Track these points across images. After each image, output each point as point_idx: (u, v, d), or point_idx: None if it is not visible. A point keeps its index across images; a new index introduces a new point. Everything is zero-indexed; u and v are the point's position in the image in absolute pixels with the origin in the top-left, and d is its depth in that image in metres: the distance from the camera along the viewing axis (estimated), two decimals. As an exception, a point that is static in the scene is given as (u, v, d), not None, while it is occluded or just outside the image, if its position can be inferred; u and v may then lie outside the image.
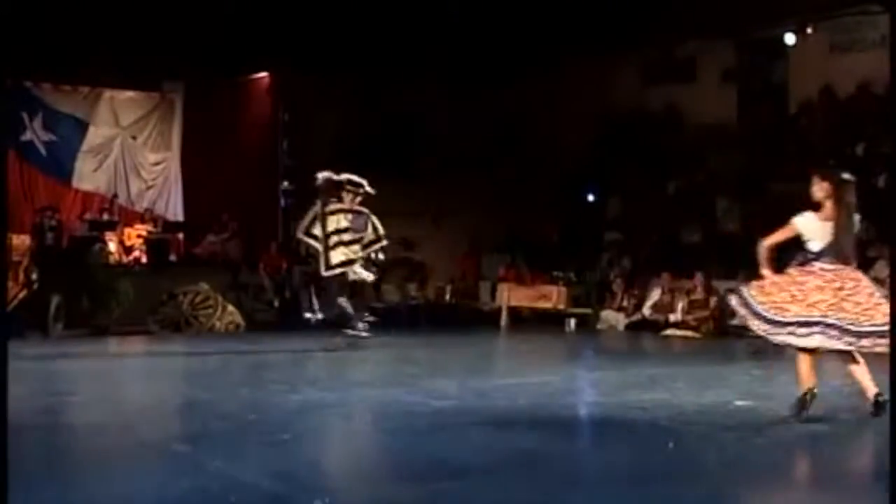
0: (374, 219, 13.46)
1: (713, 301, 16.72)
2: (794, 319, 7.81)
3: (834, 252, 7.99)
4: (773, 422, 7.64)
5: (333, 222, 13.08)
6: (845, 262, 7.93)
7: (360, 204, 13.59)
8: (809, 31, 19.72)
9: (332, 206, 13.23)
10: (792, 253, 8.50)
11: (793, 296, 7.89)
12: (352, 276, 13.21)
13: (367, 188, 13.68)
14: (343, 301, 13.02)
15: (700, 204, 19.95)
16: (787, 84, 20.81)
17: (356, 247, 13.20)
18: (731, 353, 14.54)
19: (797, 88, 20.59)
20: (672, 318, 16.83)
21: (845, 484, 5.72)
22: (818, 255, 8.04)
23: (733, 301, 8.32)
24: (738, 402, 8.53)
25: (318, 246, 12.91)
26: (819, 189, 8.54)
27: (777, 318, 7.88)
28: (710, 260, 18.19)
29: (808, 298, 7.82)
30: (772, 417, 7.82)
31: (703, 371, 11.38)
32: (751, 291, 8.18)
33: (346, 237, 13.07)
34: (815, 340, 7.80)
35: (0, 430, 4.36)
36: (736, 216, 19.16)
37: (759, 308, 7.99)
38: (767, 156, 20.05)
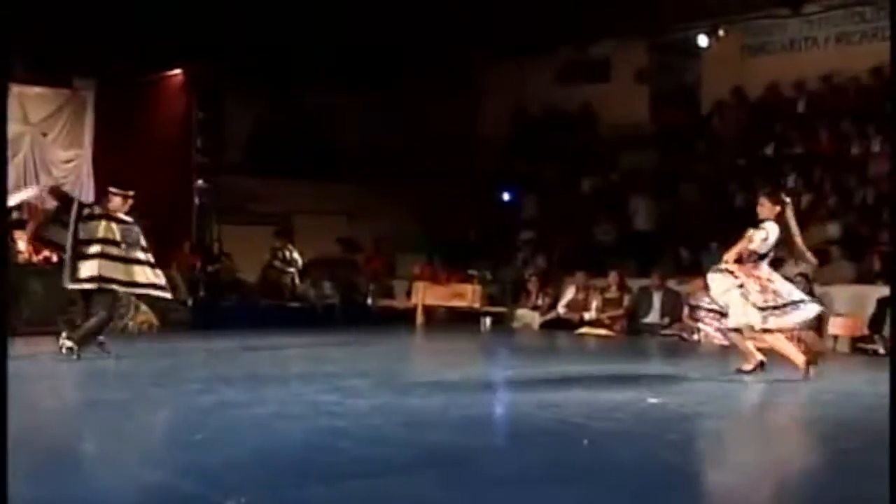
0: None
1: (627, 299, 16.89)
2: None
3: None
4: (684, 418, 7.75)
5: (93, 229, 11.62)
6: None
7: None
8: (722, 33, 20.03)
9: (95, 210, 11.93)
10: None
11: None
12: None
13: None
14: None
15: (614, 203, 20.15)
16: (700, 85, 21.12)
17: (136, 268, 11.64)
18: (644, 351, 14.72)
19: (709, 89, 20.91)
20: (586, 316, 16.97)
21: (750, 476, 5.80)
22: (762, 258, 10.41)
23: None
24: (651, 400, 8.62)
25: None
26: (767, 210, 10.57)
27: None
28: (624, 258, 18.39)
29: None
30: (684, 414, 7.92)
31: (616, 369, 11.49)
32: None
33: (114, 251, 11.52)
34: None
35: (0, 430, 4.28)
36: (649, 215, 19.37)
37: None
38: (680, 155, 20.33)
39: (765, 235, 10.36)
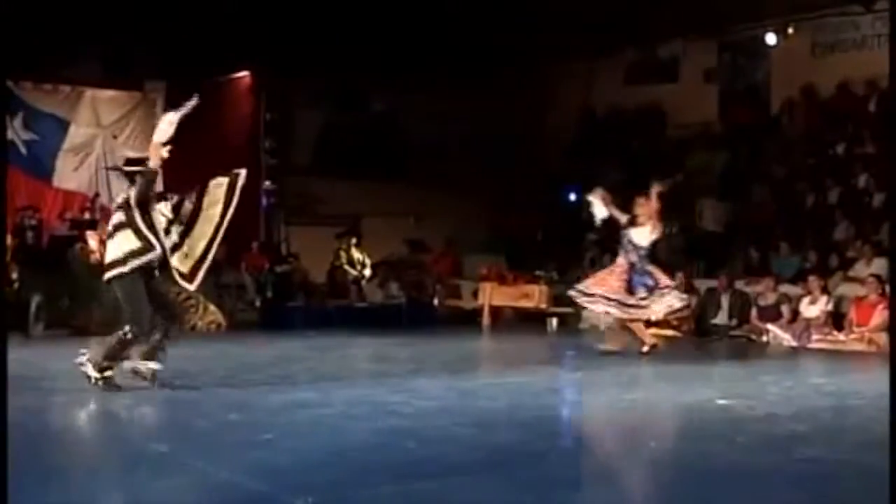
0: None
1: (694, 300, 16.75)
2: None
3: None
4: (754, 420, 7.68)
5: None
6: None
7: None
8: (791, 31, 19.82)
9: None
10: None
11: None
12: None
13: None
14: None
15: (681, 203, 20.00)
16: (769, 84, 20.91)
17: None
18: (712, 353, 14.60)
19: (779, 88, 20.70)
20: (654, 317, 16.84)
21: (822, 481, 5.75)
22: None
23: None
24: (721, 401, 8.56)
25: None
26: (646, 210, 12.59)
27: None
28: (692, 259, 18.26)
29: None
30: (752, 416, 7.86)
31: (684, 370, 11.41)
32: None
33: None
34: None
35: (0, 430, 4.36)
36: (717, 215, 19.21)
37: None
38: (749, 155, 20.16)
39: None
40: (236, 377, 10.36)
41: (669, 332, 16.32)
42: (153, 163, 9.26)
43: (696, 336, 16.16)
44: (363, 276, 19.28)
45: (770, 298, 15.70)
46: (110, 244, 9.01)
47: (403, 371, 10.83)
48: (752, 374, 11.02)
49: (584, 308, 13.47)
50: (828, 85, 19.83)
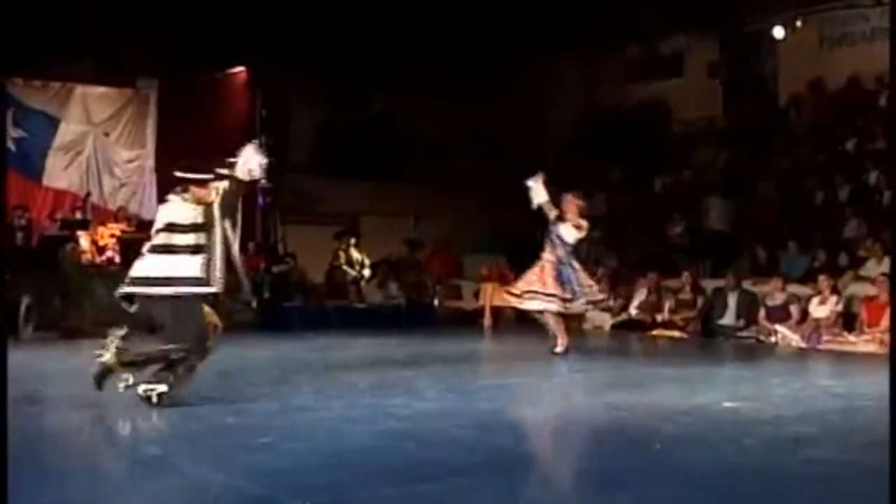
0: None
1: (700, 300, 16.79)
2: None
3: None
4: (761, 424, 7.71)
5: None
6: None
7: None
8: (799, 24, 19.83)
9: None
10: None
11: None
12: None
13: None
14: None
15: (686, 201, 20.03)
16: (776, 78, 20.92)
17: None
18: (719, 354, 14.63)
19: (786, 82, 20.71)
20: (659, 317, 16.89)
21: (832, 484, 5.77)
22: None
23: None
24: (726, 404, 8.58)
25: None
26: (574, 208, 13.18)
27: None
28: (698, 258, 18.29)
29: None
30: (760, 418, 7.89)
31: (690, 372, 11.44)
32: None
33: None
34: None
35: (0, 430, 4.38)
36: (723, 214, 19.23)
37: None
38: (755, 151, 20.16)
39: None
40: (233, 379, 10.38)
41: (675, 333, 16.37)
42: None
43: (703, 337, 16.19)
44: (362, 277, 19.30)
45: (778, 298, 15.72)
46: (184, 260, 8.43)
47: (403, 373, 10.85)
48: (759, 376, 11.04)
49: (524, 310, 13.55)
50: (837, 79, 19.83)
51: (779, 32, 20.02)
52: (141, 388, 8.11)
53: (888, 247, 15.80)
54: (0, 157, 5.28)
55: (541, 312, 13.01)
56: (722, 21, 20.06)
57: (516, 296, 13.22)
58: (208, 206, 8.55)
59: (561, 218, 13.07)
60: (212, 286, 8.52)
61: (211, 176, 8.88)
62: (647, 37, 21.01)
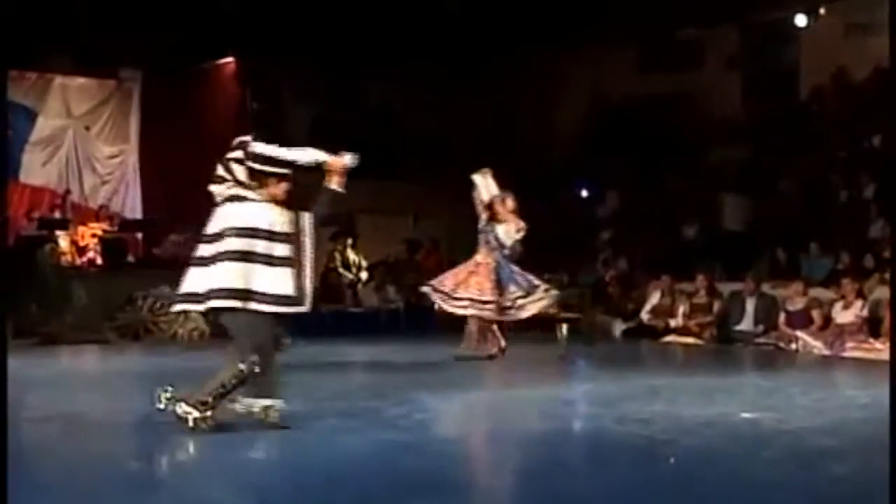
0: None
1: (717, 305, 16.78)
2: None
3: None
4: (781, 435, 7.70)
5: None
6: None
7: None
8: (822, 11, 19.82)
9: None
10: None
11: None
12: None
13: None
14: None
15: (702, 200, 20.03)
16: (798, 69, 20.91)
17: None
18: (736, 362, 14.62)
19: (809, 74, 20.71)
20: (672, 323, 16.88)
21: (855, 501, 5.76)
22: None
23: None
24: (744, 415, 8.57)
25: None
26: (503, 206, 13.07)
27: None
28: (714, 260, 18.27)
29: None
30: (780, 430, 7.88)
31: (706, 381, 11.42)
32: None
33: None
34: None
35: (0, 431, 4.38)
36: (741, 213, 19.23)
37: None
38: (776, 147, 20.14)
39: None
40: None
41: (690, 340, 16.36)
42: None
43: (719, 344, 16.18)
44: (359, 280, 19.31)
45: (799, 303, 15.72)
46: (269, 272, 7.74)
47: (402, 381, 10.85)
48: (779, 386, 11.02)
49: (442, 308, 13.63)
50: (862, 69, 19.81)
51: (801, 20, 20.00)
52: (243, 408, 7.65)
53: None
54: (1, 157, 5.25)
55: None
56: (742, 9, 20.03)
57: (444, 293, 12.99)
58: (292, 211, 8.02)
59: (494, 218, 13.03)
60: (303, 305, 7.91)
61: (288, 171, 8.28)
62: (663, 26, 20.98)
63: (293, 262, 7.68)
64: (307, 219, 7.97)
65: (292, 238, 7.72)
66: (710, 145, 20.97)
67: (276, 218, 7.77)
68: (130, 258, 18.99)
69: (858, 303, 15.03)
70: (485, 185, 13.37)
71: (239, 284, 7.47)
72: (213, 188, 8.32)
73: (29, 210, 19.40)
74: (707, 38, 21.36)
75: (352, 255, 19.34)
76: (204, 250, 7.73)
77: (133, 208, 20.83)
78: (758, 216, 19.11)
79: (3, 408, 4.47)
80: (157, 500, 5.58)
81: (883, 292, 15.34)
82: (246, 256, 7.50)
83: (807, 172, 19.34)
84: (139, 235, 20.04)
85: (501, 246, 12.93)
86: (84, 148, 20.64)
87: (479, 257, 13.01)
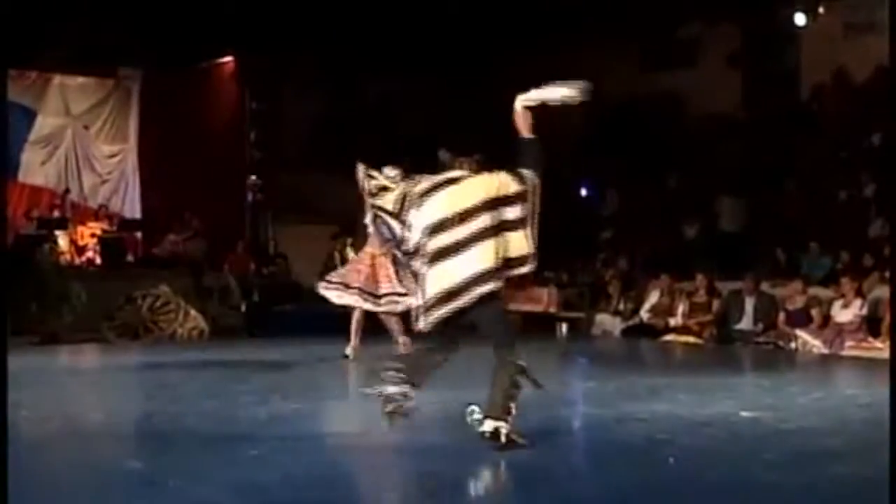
0: None
1: (716, 304, 16.76)
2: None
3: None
4: (781, 434, 7.68)
5: None
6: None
7: None
8: (822, 10, 19.81)
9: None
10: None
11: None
12: None
13: None
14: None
15: (702, 200, 20.00)
16: (799, 68, 20.89)
17: None
18: (736, 361, 14.61)
19: (809, 73, 20.70)
20: (672, 322, 16.86)
21: (856, 502, 5.74)
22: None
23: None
24: (744, 414, 8.55)
25: None
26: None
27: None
28: (713, 260, 18.24)
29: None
30: (781, 430, 7.86)
31: (705, 380, 11.40)
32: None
33: None
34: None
35: (0, 431, 4.36)
36: (741, 212, 19.21)
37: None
38: (776, 146, 20.12)
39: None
40: (220, 388, 10.36)
41: (690, 339, 16.35)
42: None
43: (718, 343, 16.16)
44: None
45: (799, 302, 15.71)
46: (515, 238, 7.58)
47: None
48: (779, 385, 11.01)
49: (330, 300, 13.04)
50: (863, 69, 19.80)
51: (801, 19, 19.99)
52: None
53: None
54: (1, 157, 5.23)
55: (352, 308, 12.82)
56: (742, 7, 20.01)
57: (333, 286, 12.72)
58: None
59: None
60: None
61: None
62: (664, 24, 20.95)
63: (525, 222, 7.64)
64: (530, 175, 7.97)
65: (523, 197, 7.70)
66: (710, 144, 20.93)
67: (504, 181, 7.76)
68: (129, 257, 18.98)
69: (857, 302, 15.02)
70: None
71: (493, 263, 7.21)
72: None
73: (28, 209, 19.39)
74: (708, 36, 21.32)
75: (351, 255, 19.28)
76: (439, 241, 7.33)
77: (132, 208, 20.81)
78: (757, 215, 19.08)
79: (3, 408, 4.45)
80: (148, 497, 5.55)
81: (882, 291, 15.32)
82: (494, 230, 7.35)
83: (807, 171, 19.32)
84: (138, 235, 20.03)
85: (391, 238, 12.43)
86: (83, 147, 20.63)
87: (371, 249, 12.70)
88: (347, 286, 12.59)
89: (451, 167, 8.22)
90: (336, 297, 12.66)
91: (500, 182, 7.68)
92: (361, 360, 12.51)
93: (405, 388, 7.13)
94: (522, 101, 8.22)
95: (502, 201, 7.53)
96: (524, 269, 7.44)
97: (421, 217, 7.45)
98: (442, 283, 7.10)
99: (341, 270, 13.14)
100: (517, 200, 7.65)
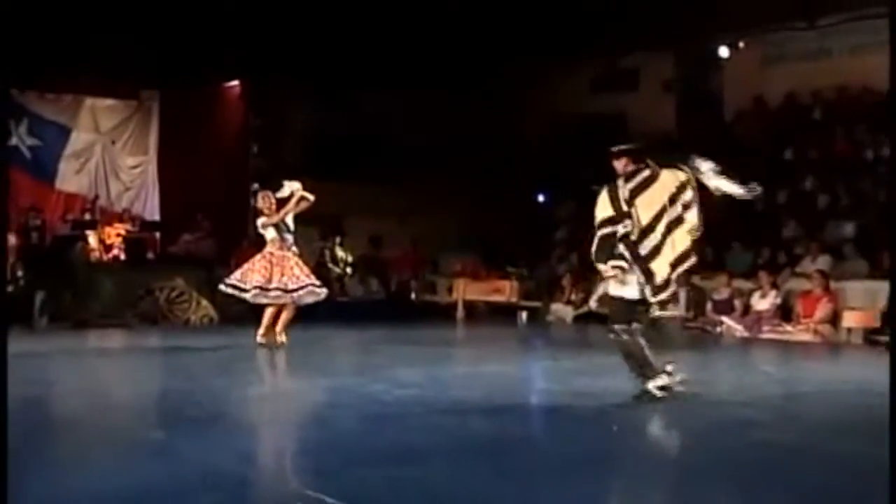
0: None
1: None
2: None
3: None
4: (708, 405, 7.70)
5: None
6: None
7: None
8: (742, 45, 19.92)
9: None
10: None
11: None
12: None
13: None
14: None
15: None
16: (723, 94, 21.00)
17: None
18: (668, 342, 14.62)
19: (732, 98, 20.80)
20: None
21: (772, 463, 5.76)
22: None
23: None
24: (679, 389, 8.56)
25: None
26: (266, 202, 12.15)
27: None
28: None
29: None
30: (707, 401, 7.88)
31: (645, 360, 11.38)
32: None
33: None
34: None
35: (0, 430, 4.30)
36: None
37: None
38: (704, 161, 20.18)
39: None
40: (227, 368, 10.33)
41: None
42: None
43: (653, 327, 16.16)
44: (346, 274, 19.24)
45: (724, 293, 15.77)
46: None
47: (384, 362, 10.81)
48: (706, 363, 11.06)
49: (246, 300, 12.39)
50: (776, 95, 19.96)
51: (724, 52, 20.09)
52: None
53: (821, 246, 15.90)
54: (1, 157, 5.15)
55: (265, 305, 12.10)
56: (675, 40, 20.08)
57: (240, 289, 12.10)
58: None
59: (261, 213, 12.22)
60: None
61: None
62: (610, 54, 21.01)
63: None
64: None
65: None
66: (650, 158, 20.94)
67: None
68: (150, 254, 18.88)
69: (773, 292, 15.10)
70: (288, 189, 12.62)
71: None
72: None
73: (64, 213, 19.35)
74: (647, 64, 21.37)
75: (339, 252, 19.27)
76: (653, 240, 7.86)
77: (152, 212, 20.71)
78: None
79: (3, 408, 4.38)
80: (167, 462, 5.52)
81: (793, 283, 15.44)
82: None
83: (730, 181, 19.34)
84: (157, 235, 19.95)
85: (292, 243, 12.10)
86: (110, 159, 20.54)
87: (273, 250, 12.02)
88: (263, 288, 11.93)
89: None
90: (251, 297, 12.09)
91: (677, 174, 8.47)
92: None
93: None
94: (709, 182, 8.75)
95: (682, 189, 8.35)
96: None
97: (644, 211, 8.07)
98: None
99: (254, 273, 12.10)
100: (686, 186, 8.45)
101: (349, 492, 4.75)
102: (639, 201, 7.95)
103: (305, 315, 16.08)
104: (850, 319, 14.37)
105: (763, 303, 15.11)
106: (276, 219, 12.05)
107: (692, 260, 7.88)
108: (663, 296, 7.71)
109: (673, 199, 7.77)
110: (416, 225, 21.09)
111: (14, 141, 19.12)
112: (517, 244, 20.72)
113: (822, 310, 14.33)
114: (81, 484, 5.07)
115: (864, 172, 17.50)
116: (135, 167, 20.83)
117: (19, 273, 15.02)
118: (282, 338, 11.88)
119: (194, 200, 19.66)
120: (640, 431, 6.73)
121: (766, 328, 14.68)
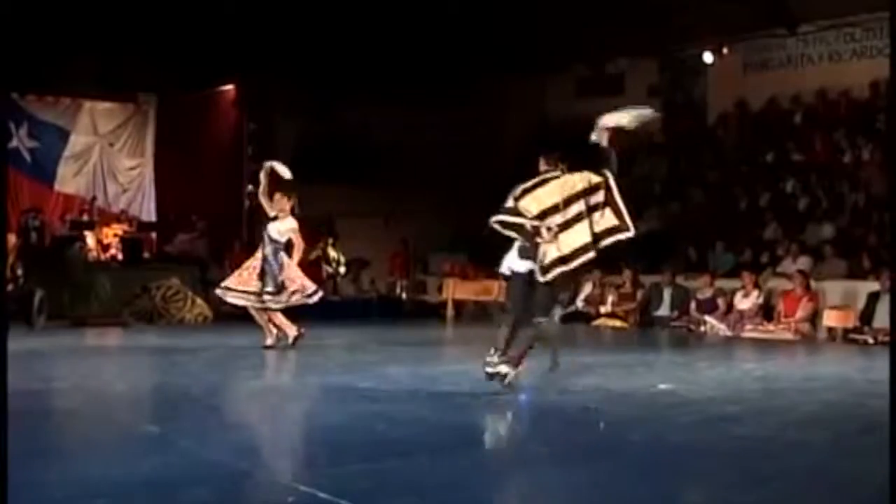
0: None
1: (640, 294, 16.80)
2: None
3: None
4: (692, 402, 7.71)
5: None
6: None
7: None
8: (725, 51, 19.97)
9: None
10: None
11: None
12: None
13: None
14: None
15: (627, 206, 20.00)
16: (706, 98, 21.05)
17: None
18: (655, 342, 14.65)
19: (715, 102, 20.86)
20: (602, 309, 16.85)
21: (752, 456, 5.77)
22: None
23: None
24: (662, 386, 8.58)
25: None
26: (280, 204, 12.16)
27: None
28: (637, 257, 18.27)
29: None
30: (691, 399, 7.89)
31: (630, 358, 11.42)
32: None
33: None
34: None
35: (0, 429, 4.28)
36: (660, 218, 19.27)
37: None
38: (688, 163, 20.26)
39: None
40: (221, 364, 10.32)
41: (618, 324, 16.37)
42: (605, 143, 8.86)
43: (641, 327, 16.21)
44: (338, 273, 19.21)
45: (707, 292, 15.78)
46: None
47: (373, 359, 10.81)
48: (690, 361, 11.05)
49: (228, 303, 12.30)
50: (758, 100, 20.02)
51: (708, 58, 20.13)
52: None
53: (802, 247, 15.95)
54: (1, 157, 5.13)
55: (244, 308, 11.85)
56: (660, 46, 20.12)
57: (226, 290, 11.88)
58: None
59: (276, 217, 12.10)
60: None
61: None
62: (596, 60, 21.03)
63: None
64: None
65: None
66: (635, 160, 20.98)
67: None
68: (146, 254, 18.86)
69: (755, 292, 15.12)
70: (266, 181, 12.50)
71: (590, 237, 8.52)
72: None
73: (62, 214, 19.32)
74: (632, 70, 21.40)
75: (332, 252, 19.23)
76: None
77: (148, 212, 20.70)
78: (673, 220, 19.15)
79: (3, 408, 4.36)
80: (163, 455, 5.51)
81: (774, 283, 15.48)
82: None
83: (713, 184, 19.41)
84: (153, 235, 19.93)
85: (272, 241, 11.84)
86: (108, 161, 20.51)
87: (258, 252, 11.94)
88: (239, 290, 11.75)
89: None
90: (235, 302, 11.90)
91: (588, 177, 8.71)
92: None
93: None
94: (605, 121, 9.16)
95: (591, 191, 8.57)
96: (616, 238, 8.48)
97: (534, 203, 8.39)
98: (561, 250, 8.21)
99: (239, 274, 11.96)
100: (599, 189, 8.67)
101: (340, 486, 4.74)
102: (529, 197, 8.62)
103: (298, 314, 16.11)
104: (829, 318, 14.42)
105: (745, 302, 15.13)
106: (294, 226, 12.02)
107: (583, 258, 8.36)
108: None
109: (569, 201, 7.85)
110: (406, 226, 21.08)
111: (14, 143, 19.10)
112: (505, 245, 20.67)
113: (803, 309, 14.37)
114: (78, 476, 5.06)
115: (843, 176, 17.57)
116: (132, 169, 20.80)
117: (19, 272, 15.00)
118: (292, 331, 11.72)
119: (189, 201, 19.67)
120: (624, 427, 6.73)
121: (748, 327, 14.71)
